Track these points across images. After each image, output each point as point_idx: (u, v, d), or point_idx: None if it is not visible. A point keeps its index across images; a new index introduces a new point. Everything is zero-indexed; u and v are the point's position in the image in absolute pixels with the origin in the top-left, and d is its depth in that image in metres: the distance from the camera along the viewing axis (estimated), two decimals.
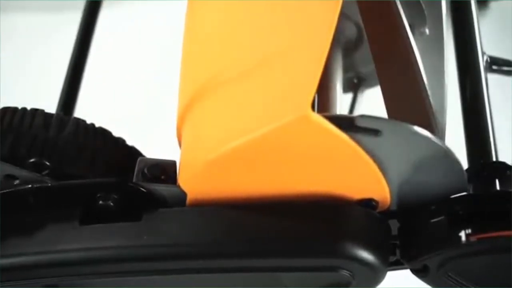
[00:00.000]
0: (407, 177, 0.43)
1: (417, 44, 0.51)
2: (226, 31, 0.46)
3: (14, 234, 0.44)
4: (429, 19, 0.58)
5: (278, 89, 0.40)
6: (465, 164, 0.48)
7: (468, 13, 0.61)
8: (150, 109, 1.01)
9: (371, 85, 0.79)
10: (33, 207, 0.45)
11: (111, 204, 0.44)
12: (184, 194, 0.44)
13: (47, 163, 0.46)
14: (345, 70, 0.73)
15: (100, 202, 0.44)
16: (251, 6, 0.46)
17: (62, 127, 0.48)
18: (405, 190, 0.44)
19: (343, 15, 0.67)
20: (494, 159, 0.50)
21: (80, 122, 0.49)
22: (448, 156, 0.42)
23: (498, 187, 0.47)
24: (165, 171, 0.45)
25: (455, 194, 0.44)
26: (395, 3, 0.51)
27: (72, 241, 0.43)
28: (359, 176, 0.42)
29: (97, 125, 0.50)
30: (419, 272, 0.46)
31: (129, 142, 0.52)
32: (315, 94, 0.39)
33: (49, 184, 0.45)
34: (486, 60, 0.61)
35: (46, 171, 0.46)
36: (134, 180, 0.45)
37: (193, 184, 0.43)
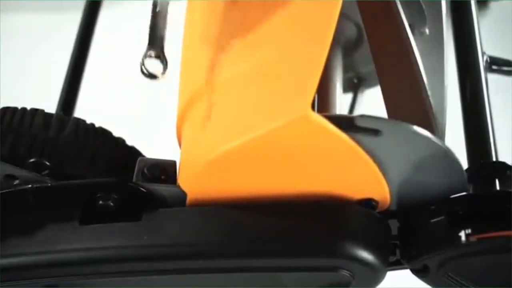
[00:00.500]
0: (407, 177, 0.43)
1: (417, 44, 0.51)
2: (225, 31, 0.46)
3: (14, 234, 0.44)
4: (429, 19, 0.58)
5: (278, 89, 0.40)
6: (465, 164, 0.48)
7: (468, 13, 0.61)
8: (150, 109, 1.01)
9: (371, 85, 0.79)
10: (33, 207, 0.45)
11: (111, 204, 0.44)
12: (184, 194, 0.44)
13: (47, 163, 0.46)
14: (345, 70, 0.73)
15: (100, 202, 0.44)
16: (251, 6, 0.46)
17: (62, 127, 0.48)
18: (405, 190, 0.44)
19: (343, 15, 0.67)
20: (494, 159, 0.50)
21: (80, 122, 0.49)
22: (448, 156, 0.42)
23: (498, 187, 0.47)
24: (165, 171, 0.45)
25: (455, 194, 0.44)
26: (395, 3, 0.51)
27: (72, 241, 0.43)
28: (359, 176, 0.42)
29: (97, 125, 0.50)
30: (419, 272, 0.46)
31: (129, 142, 0.52)
32: (315, 94, 0.39)
33: (49, 184, 0.45)
34: (486, 60, 0.61)
35: (46, 171, 0.46)
36: (134, 180, 0.45)
37: (193, 184, 0.43)
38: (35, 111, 0.48)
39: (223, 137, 0.41)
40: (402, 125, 0.40)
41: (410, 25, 0.52)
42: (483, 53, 0.59)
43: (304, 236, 0.42)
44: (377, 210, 0.45)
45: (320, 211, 0.43)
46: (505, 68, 0.66)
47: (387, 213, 0.45)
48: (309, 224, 0.43)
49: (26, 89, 1.12)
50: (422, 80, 0.49)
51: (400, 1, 0.52)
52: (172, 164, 0.46)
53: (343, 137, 0.39)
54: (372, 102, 0.72)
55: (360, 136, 0.40)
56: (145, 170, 0.45)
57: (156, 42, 0.44)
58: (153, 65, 0.43)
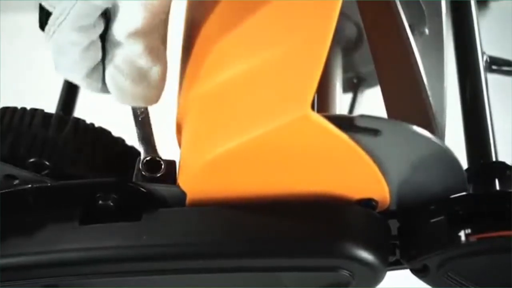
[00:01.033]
0: (407, 177, 0.43)
1: (417, 44, 0.51)
2: (225, 31, 0.46)
3: (14, 234, 0.44)
4: (429, 19, 0.58)
5: (278, 88, 0.40)
6: (465, 164, 0.48)
7: (468, 13, 0.61)
8: (150, 109, 1.01)
9: (371, 85, 0.79)
10: (33, 207, 0.45)
11: (111, 204, 0.44)
12: (183, 194, 0.44)
13: (47, 163, 0.46)
14: (345, 70, 0.73)
15: (100, 202, 0.44)
16: (251, 6, 0.46)
17: (62, 127, 0.48)
18: (405, 190, 0.44)
19: (343, 15, 0.67)
20: (494, 159, 0.50)
21: (80, 122, 0.49)
22: (447, 156, 0.42)
23: (498, 187, 0.47)
24: (164, 171, 0.45)
25: (455, 194, 0.44)
26: (395, 3, 0.51)
27: (72, 241, 0.43)
28: (358, 176, 0.42)
29: (96, 125, 0.50)
30: (419, 272, 0.46)
31: (129, 142, 0.52)
32: (314, 94, 0.39)
33: (49, 184, 0.45)
34: (486, 60, 0.61)
35: (46, 171, 0.46)
36: (133, 180, 0.45)
37: (193, 184, 0.43)
38: (34, 111, 0.48)
39: (223, 137, 0.41)
40: (402, 125, 0.40)
41: (410, 25, 0.52)
42: (483, 53, 0.59)
43: (304, 236, 0.42)
44: (377, 210, 0.45)
45: (320, 211, 0.43)
46: (505, 68, 0.66)
47: (387, 213, 0.45)
48: (309, 224, 0.43)
49: (26, 89, 1.12)
50: (422, 80, 0.49)
51: (400, 1, 0.52)
52: (172, 164, 0.46)
53: (343, 137, 0.39)
54: (372, 102, 0.72)
55: (360, 136, 0.40)
56: (145, 170, 0.45)
57: (149, 150, 0.46)
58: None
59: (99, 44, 0.42)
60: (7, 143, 0.46)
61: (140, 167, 0.45)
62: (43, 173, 0.46)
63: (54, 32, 0.41)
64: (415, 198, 0.44)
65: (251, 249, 0.43)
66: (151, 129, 0.46)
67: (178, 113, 0.47)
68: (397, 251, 0.47)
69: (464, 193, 0.44)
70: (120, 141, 0.51)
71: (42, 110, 0.49)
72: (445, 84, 0.55)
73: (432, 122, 0.49)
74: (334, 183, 0.43)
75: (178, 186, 0.44)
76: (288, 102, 0.39)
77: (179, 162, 0.46)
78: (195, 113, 0.45)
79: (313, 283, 0.46)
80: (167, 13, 0.43)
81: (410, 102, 0.50)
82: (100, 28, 0.41)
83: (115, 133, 0.51)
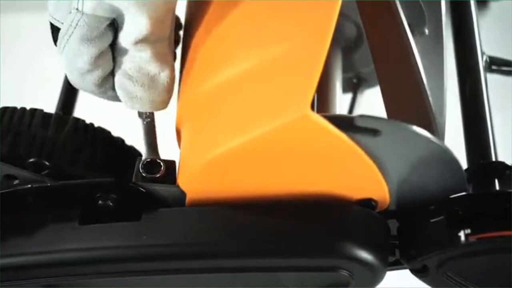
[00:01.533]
0: (407, 177, 0.43)
1: (416, 44, 0.51)
2: (225, 31, 0.46)
3: (14, 234, 0.44)
4: (429, 19, 0.58)
5: (278, 89, 0.40)
6: (464, 164, 0.48)
7: (468, 13, 0.61)
8: None
9: (371, 85, 0.79)
10: (33, 207, 0.45)
11: (111, 204, 0.44)
12: (183, 194, 0.44)
13: (47, 163, 0.46)
14: (345, 70, 0.73)
15: (100, 202, 0.44)
16: (251, 7, 0.46)
17: (61, 127, 0.48)
18: (405, 190, 0.44)
19: (343, 15, 0.67)
20: (493, 159, 0.50)
21: (80, 122, 0.49)
22: (447, 156, 0.42)
23: (497, 187, 0.47)
24: (164, 171, 0.45)
25: (454, 194, 0.44)
26: (395, 3, 0.51)
27: (71, 241, 0.43)
28: (358, 176, 0.42)
29: (96, 125, 0.50)
30: (419, 272, 0.46)
31: (129, 142, 0.52)
32: (314, 94, 0.38)
33: (49, 184, 0.45)
34: (486, 60, 0.61)
35: (46, 171, 0.46)
36: (133, 180, 0.45)
37: (193, 184, 0.43)
38: (34, 111, 0.48)
39: (223, 137, 0.41)
40: (401, 125, 0.40)
41: (409, 25, 0.52)
42: (482, 53, 0.59)
43: (303, 236, 0.42)
44: (377, 210, 0.45)
45: (320, 211, 0.43)
46: (505, 68, 0.66)
47: (387, 213, 0.45)
48: (309, 224, 0.43)
49: (26, 89, 1.12)
50: (422, 80, 0.49)
51: (400, 1, 0.52)
52: (172, 164, 0.46)
53: (342, 137, 0.39)
54: (372, 102, 0.72)
55: (359, 136, 0.40)
56: (145, 170, 0.45)
57: (151, 152, 0.47)
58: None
59: (109, 53, 0.43)
60: (6, 143, 0.46)
61: (140, 167, 0.45)
62: (43, 173, 0.46)
63: (64, 46, 0.43)
64: (414, 198, 0.44)
65: (251, 249, 0.43)
66: (155, 133, 0.47)
67: (178, 113, 0.47)
68: (397, 251, 0.47)
69: (463, 193, 0.44)
70: (119, 141, 0.51)
71: (42, 110, 0.49)
72: (445, 84, 0.54)
73: (432, 122, 0.49)
74: (333, 183, 0.43)
75: (178, 186, 0.44)
76: (288, 102, 0.39)
77: (179, 162, 0.46)
78: (195, 113, 0.45)
79: (313, 283, 0.46)
80: (172, 19, 0.44)
81: (410, 102, 0.50)
82: (108, 38, 0.42)
83: (115, 133, 0.51)
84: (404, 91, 0.50)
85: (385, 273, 0.44)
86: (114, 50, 0.44)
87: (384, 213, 0.45)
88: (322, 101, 0.66)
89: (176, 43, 0.51)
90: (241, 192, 0.43)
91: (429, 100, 0.49)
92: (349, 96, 0.80)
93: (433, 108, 0.49)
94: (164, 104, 0.46)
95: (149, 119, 0.47)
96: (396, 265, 0.48)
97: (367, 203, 0.44)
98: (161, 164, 0.46)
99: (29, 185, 0.44)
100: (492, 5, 1.18)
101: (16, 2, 1.24)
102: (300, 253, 0.43)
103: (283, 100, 0.39)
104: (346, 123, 0.39)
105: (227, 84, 0.43)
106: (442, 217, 0.44)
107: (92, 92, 0.45)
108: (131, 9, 0.41)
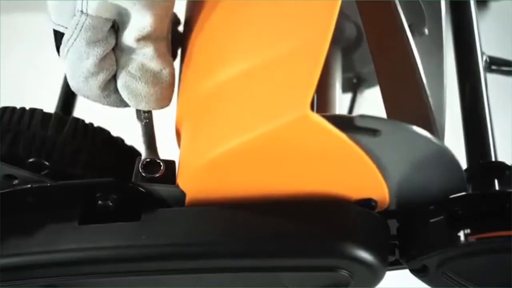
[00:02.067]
0: (406, 177, 0.43)
1: (416, 44, 0.51)
2: (225, 31, 0.46)
3: (13, 234, 0.44)
4: (429, 19, 0.58)
5: (277, 89, 0.40)
6: (464, 164, 0.48)
7: (468, 13, 0.61)
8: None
9: (371, 85, 0.79)
10: (33, 207, 0.45)
11: (110, 204, 0.44)
12: (183, 194, 0.44)
13: (46, 163, 0.46)
14: (345, 70, 0.73)
15: (99, 202, 0.44)
16: (251, 7, 0.46)
17: (61, 127, 0.48)
18: (404, 190, 0.44)
19: (343, 15, 0.67)
20: (493, 159, 0.50)
21: (79, 122, 0.49)
22: (447, 156, 0.42)
23: (497, 187, 0.47)
24: (164, 171, 0.45)
25: (454, 194, 0.44)
26: (395, 3, 0.51)
27: (71, 241, 0.43)
28: (358, 176, 0.42)
29: (96, 124, 0.50)
30: (418, 272, 0.46)
31: (129, 142, 0.52)
32: (314, 94, 0.38)
33: (48, 184, 0.45)
34: (485, 60, 0.61)
35: (45, 171, 0.46)
36: (133, 180, 0.45)
37: (192, 184, 0.43)
38: (33, 111, 0.48)
39: (222, 137, 0.41)
40: (401, 125, 0.40)
41: (409, 25, 0.52)
42: (482, 53, 0.59)
43: (303, 236, 0.42)
44: (376, 210, 0.45)
45: (320, 211, 0.43)
46: (505, 68, 0.66)
47: (386, 213, 0.45)
48: (309, 224, 0.43)
49: (26, 89, 1.12)
50: (422, 80, 0.49)
51: (400, 1, 0.52)
52: (171, 164, 0.46)
53: (342, 137, 0.39)
54: (371, 102, 0.72)
55: (359, 136, 0.40)
56: (144, 170, 0.45)
57: (150, 152, 0.47)
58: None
59: (112, 55, 0.44)
60: (6, 143, 0.46)
61: (140, 167, 0.45)
62: (42, 173, 0.46)
63: (68, 51, 0.43)
64: (414, 198, 0.44)
65: (251, 249, 0.43)
66: (154, 133, 0.47)
67: (178, 113, 0.47)
68: (397, 251, 0.47)
69: (463, 193, 0.44)
70: (119, 141, 0.51)
71: (41, 110, 0.49)
72: (444, 84, 0.54)
73: (432, 122, 0.49)
74: (333, 183, 0.43)
75: (178, 186, 0.44)
76: (288, 102, 0.39)
77: (179, 162, 0.46)
78: (195, 113, 0.45)
79: (313, 283, 0.46)
80: (169, 19, 0.46)
81: (410, 102, 0.50)
82: (112, 40, 0.43)
83: (115, 133, 0.51)
84: (404, 91, 0.50)
85: (385, 273, 0.44)
86: (116, 52, 0.44)
87: (384, 213, 0.45)
88: (322, 101, 0.66)
89: (177, 42, 0.51)
90: (240, 192, 0.43)
91: (429, 100, 0.49)
92: (349, 96, 0.80)
93: (433, 108, 0.49)
94: (168, 101, 0.47)
95: (147, 120, 0.47)
96: (395, 265, 0.48)
97: (367, 203, 0.44)
98: (161, 164, 0.46)
99: (29, 185, 0.44)
100: (492, 5, 1.18)
101: (16, 2, 1.24)
102: (300, 253, 0.42)
103: (283, 100, 0.39)
104: (346, 123, 0.39)
105: (227, 84, 0.43)
106: (441, 217, 0.44)
107: (95, 97, 0.46)
108: (137, 7, 0.42)
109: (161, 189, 0.44)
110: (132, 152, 0.50)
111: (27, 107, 0.49)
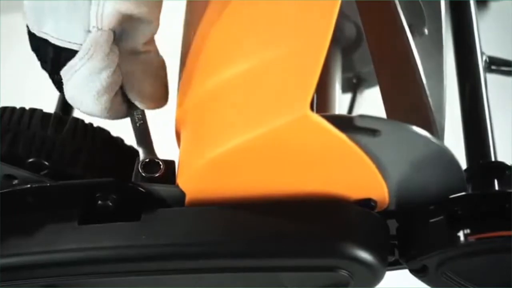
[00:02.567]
0: (406, 177, 0.43)
1: (416, 44, 0.51)
2: (225, 31, 0.46)
3: (13, 234, 0.44)
4: (428, 19, 0.58)
5: (277, 88, 0.40)
6: (464, 164, 0.48)
7: (467, 13, 0.61)
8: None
9: (370, 85, 0.79)
10: (32, 207, 0.45)
11: (110, 204, 0.44)
12: (183, 194, 0.44)
13: (46, 163, 0.46)
14: (345, 70, 0.73)
15: (99, 202, 0.44)
16: (250, 7, 0.46)
17: (61, 127, 0.48)
18: (404, 190, 0.44)
19: (342, 15, 0.67)
20: (493, 159, 0.50)
21: (79, 122, 0.49)
22: (447, 156, 0.42)
23: (497, 187, 0.47)
24: (164, 171, 0.45)
25: (454, 194, 0.44)
26: (394, 3, 0.51)
27: (71, 241, 0.43)
28: (358, 176, 0.42)
29: (95, 124, 0.50)
30: (418, 272, 0.46)
31: (128, 142, 0.52)
32: (314, 94, 0.38)
33: (48, 184, 0.45)
34: (485, 60, 0.61)
35: (45, 171, 0.46)
36: (133, 180, 0.45)
37: (192, 184, 0.43)
38: (33, 111, 0.48)
39: (222, 136, 0.41)
40: (401, 125, 0.40)
41: (409, 25, 0.52)
42: (482, 53, 0.59)
43: (303, 236, 0.42)
44: (376, 210, 0.45)
45: (319, 211, 0.43)
46: (504, 68, 0.66)
47: (386, 213, 0.45)
48: (308, 224, 0.43)
49: (26, 89, 1.12)
50: (421, 80, 0.49)
51: (400, 1, 0.52)
52: (171, 164, 0.46)
53: (342, 137, 0.39)
54: (371, 102, 0.72)
55: (359, 136, 0.40)
56: (144, 170, 0.45)
57: (148, 153, 0.47)
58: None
59: (117, 67, 0.44)
60: (6, 143, 0.46)
61: (140, 167, 0.45)
62: (42, 173, 0.46)
63: (79, 69, 0.43)
64: (414, 198, 0.44)
65: (251, 249, 0.43)
66: (149, 134, 0.48)
67: (178, 113, 0.47)
68: (396, 251, 0.47)
69: (463, 193, 0.44)
70: (119, 141, 0.51)
71: (41, 110, 0.49)
72: (444, 84, 0.55)
73: (431, 122, 0.49)
74: (333, 183, 0.43)
75: (177, 186, 0.44)
76: (287, 102, 0.39)
77: (178, 162, 0.46)
78: (195, 114, 0.45)
79: (312, 283, 0.46)
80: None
81: (409, 102, 0.50)
82: (117, 51, 0.44)
83: (114, 133, 0.51)
84: (404, 91, 0.50)
85: (384, 273, 0.44)
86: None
87: (384, 213, 0.45)
88: (321, 101, 0.66)
89: None
90: (240, 192, 0.43)
91: (428, 100, 0.49)
92: (349, 96, 0.80)
93: (433, 108, 0.49)
94: (167, 99, 0.48)
95: (141, 121, 0.47)
96: (395, 265, 0.48)
97: (367, 203, 0.44)
98: (161, 164, 0.46)
99: (29, 185, 0.44)
100: (492, 5, 1.18)
101: (16, 2, 1.24)
102: (299, 253, 0.42)
103: (283, 100, 0.39)
104: (345, 123, 0.39)
105: (226, 84, 0.43)
106: (441, 217, 0.44)
107: (100, 111, 0.45)
108: (147, 13, 0.42)
109: (161, 189, 0.44)
110: (132, 152, 0.50)
111: (27, 107, 0.49)
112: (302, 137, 0.39)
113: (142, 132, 0.47)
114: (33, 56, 0.47)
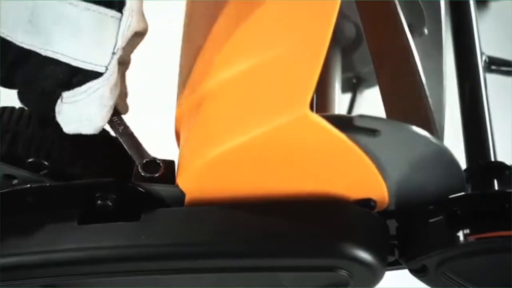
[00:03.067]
0: (406, 177, 0.43)
1: (416, 44, 0.51)
2: (224, 31, 0.46)
3: (13, 234, 0.44)
4: (428, 19, 0.58)
5: (277, 88, 0.40)
6: (463, 164, 0.48)
7: (467, 13, 0.61)
8: (149, 109, 1.01)
9: (370, 85, 0.79)
10: (32, 207, 0.45)
11: (110, 204, 0.44)
12: (182, 194, 0.44)
13: (45, 163, 0.46)
14: (344, 70, 0.73)
15: (99, 202, 0.44)
16: (250, 7, 0.46)
17: (60, 127, 0.48)
18: (404, 190, 0.44)
19: (342, 15, 0.67)
20: (492, 159, 0.50)
21: None
22: (446, 156, 0.42)
23: (496, 187, 0.47)
24: (163, 171, 0.45)
25: (453, 194, 0.44)
26: (394, 3, 0.51)
27: (70, 241, 0.43)
28: (357, 176, 0.42)
29: None
30: (418, 272, 0.46)
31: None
32: (313, 94, 0.38)
33: (48, 184, 0.45)
34: (485, 60, 0.61)
35: (45, 171, 0.46)
36: (132, 180, 0.45)
37: (192, 184, 0.43)
38: None
39: (222, 136, 0.41)
40: (400, 125, 0.40)
41: (409, 26, 0.52)
42: (482, 53, 0.59)
43: (302, 236, 0.42)
44: (376, 210, 0.45)
45: (319, 211, 0.43)
46: (504, 68, 0.66)
47: (386, 213, 0.45)
48: (308, 224, 0.43)
49: None
50: (421, 80, 0.49)
51: (399, 1, 0.52)
52: (171, 164, 0.46)
53: (341, 137, 0.39)
54: (371, 102, 0.72)
55: (358, 136, 0.40)
56: (144, 170, 0.45)
57: (141, 155, 0.46)
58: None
59: None
60: (5, 143, 0.46)
61: (139, 167, 0.45)
62: (41, 173, 0.46)
63: (103, 86, 0.42)
64: (413, 198, 0.44)
65: (250, 249, 0.43)
66: (135, 136, 0.47)
67: (177, 113, 0.47)
68: (396, 251, 0.47)
69: (462, 193, 0.44)
70: (118, 141, 0.51)
71: None
72: (444, 84, 0.54)
73: (431, 122, 0.49)
74: (333, 183, 0.43)
75: (177, 186, 0.44)
76: (287, 102, 0.39)
77: (178, 162, 0.46)
78: (194, 113, 0.45)
79: (312, 283, 0.46)
80: None
81: (409, 102, 0.50)
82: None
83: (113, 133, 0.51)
84: (403, 91, 0.51)
85: (384, 273, 0.44)
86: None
87: (383, 213, 0.45)
88: (321, 101, 0.66)
89: None
90: (240, 192, 0.43)
91: (428, 100, 0.49)
92: (348, 96, 0.80)
93: (433, 108, 0.49)
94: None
95: (122, 126, 0.47)
96: (395, 265, 0.48)
97: (366, 203, 0.44)
98: (160, 164, 0.46)
99: (28, 185, 0.44)
100: (492, 5, 1.18)
101: None
102: (299, 253, 0.42)
103: (282, 100, 0.39)
104: (345, 123, 0.39)
105: (226, 84, 0.43)
106: (441, 217, 0.44)
107: (101, 118, 0.45)
108: (146, 28, 0.44)
109: (160, 189, 0.44)
110: None
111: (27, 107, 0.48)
112: (301, 137, 0.39)
113: (128, 136, 0.47)
114: None
